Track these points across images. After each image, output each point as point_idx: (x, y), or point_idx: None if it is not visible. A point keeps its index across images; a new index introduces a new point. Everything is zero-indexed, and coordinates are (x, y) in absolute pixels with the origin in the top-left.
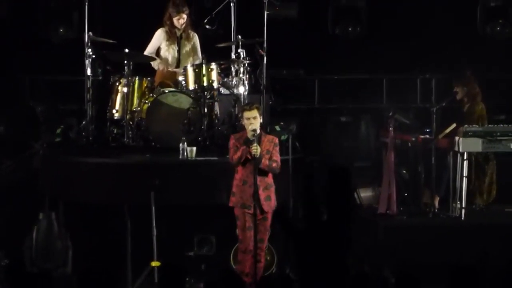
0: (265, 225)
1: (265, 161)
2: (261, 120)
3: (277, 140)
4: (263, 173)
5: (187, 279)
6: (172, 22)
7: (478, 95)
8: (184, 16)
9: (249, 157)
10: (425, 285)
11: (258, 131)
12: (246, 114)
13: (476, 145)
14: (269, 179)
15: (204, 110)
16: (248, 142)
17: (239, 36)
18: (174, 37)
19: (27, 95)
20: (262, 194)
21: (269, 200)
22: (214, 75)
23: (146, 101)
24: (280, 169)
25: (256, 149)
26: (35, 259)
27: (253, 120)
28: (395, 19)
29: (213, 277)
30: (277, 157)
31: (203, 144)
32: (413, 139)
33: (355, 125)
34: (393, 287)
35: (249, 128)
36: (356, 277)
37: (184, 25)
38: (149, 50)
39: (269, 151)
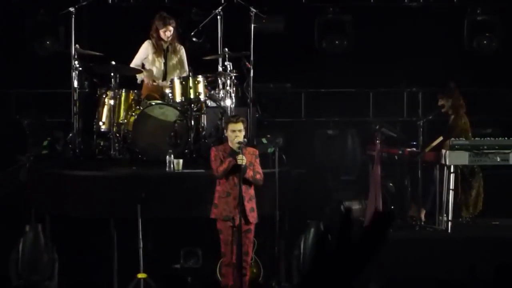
0: (250, 237)
1: (249, 172)
2: (245, 133)
3: (257, 152)
4: (248, 184)
5: None
6: (158, 35)
7: (461, 108)
8: (171, 28)
9: (234, 166)
10: None
11: (244, 143)
12: (232, 126)
13: (462, 158)
14: (252, 190)
15: (191, 122)
16: (233, 154)
17: (226, 49)
18: (160, 50)
19: (14, 108)
20: (247, 205)
21: (253, 212)
22: (201, 88)
23: (133, 114)
24: (263, 180)
25: (241, 159)
26: (21, 272)
27: (238, 133)
28: (382, 33)
29: None
30: (259, 168)
31: (189, 156)
32: (400, 152)
33: (341, 138)
34: None
35: (234, 140)
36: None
37: (170, 38)
38: (135, 62)
39: (251, 163)
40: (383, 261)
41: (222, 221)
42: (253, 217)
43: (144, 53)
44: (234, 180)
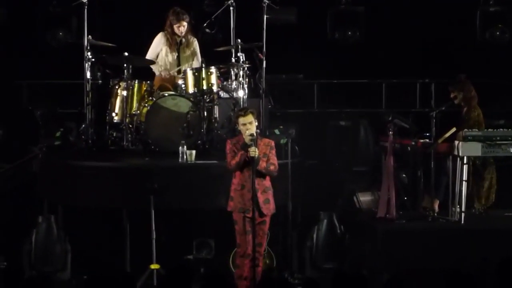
0: (263, 229)
1: (262, 163)
2: (257, 124)
3: (273, 143)
4: (261, 176)
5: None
6: (172, 30)
7: (474, 99)
8: (185, 23)
9: (247, 159)
10: None
11: (255, 134)
12: (242, 119)
13: (475, 149)
14: (267, 182)
15: (204, 113)
16: (245, 147)
17: (239, 40)
18: (174, 43)
19: (26, 99)
20: (260, 197)
21: (268, 203)
22: (213, 79)
23: (146, 105)
24: (277, 172)
25: (254, 151)
26: (34, 263)
27: (249, 125)
28: (394, 23)
29: (211, 280)
30: (274, 160)
31: (202, 147)
32: (413, 143)
33: (354, 129)
34: None
35: (246, 133)
36: (354, 279)
37: (184, 33)
38: (150, 55)
39: (266, 154)
40: (396, 251)
41: (238, 212)
42: (267, 208)
43: (158, 45)
44: (249, 172)
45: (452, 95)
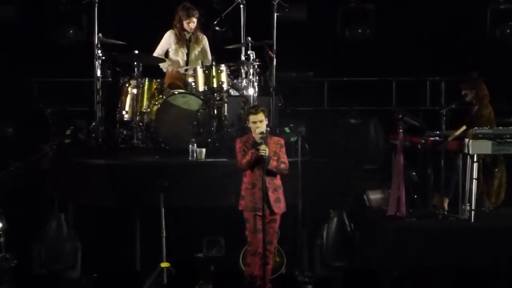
0: (274, 227)
1: (273, 162)
2: (267, 122)
3: (283, 142)
4: (272, 174)
5: (201, 282)
6: (182, 26)
7: (485, 97)
8: (194, 19)
9: (258, 158)
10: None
11: (265, 133)
12: (252, 117)
13: (485, 147)
14: (278, 180)
15: (214, 111)
16: (256, 145)
17: (249, 38)
18: (183, 40)
19: (37, 97)
20: (271, 196)
21: (278, 202)
22: (223, 77)
23: (156, 103)
24: (288, 170)
25: (264, 150)
26: (44, 261)
27: (260, 124)
28: (404, 21)
29: (222, 278)
30: (284, 158)
31: (212, 145)
32: (423, 141)
33: (364, 127)
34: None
35: (257, 131)
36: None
37: (193, 29)
38: (158, 52)
39: (276, 153)
40: (406, 249)
41: (251, 211)
42: (278, 207)
43: (167, 42)
44: (259, 171)
45: (463, 93)
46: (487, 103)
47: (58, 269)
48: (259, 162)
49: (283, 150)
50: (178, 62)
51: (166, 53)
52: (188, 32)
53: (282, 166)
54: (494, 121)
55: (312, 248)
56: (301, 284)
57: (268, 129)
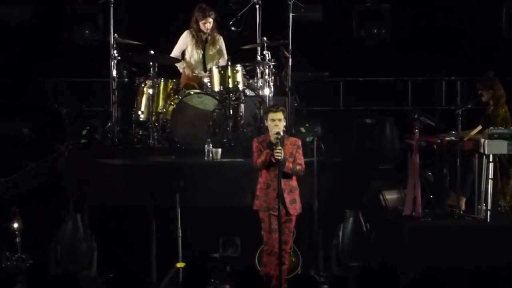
0: (290, 227)
1: (289, 164)
2: (285, 123)
3: (300, 142)
4: (288, 176)
5: (212, 280)
6: (198, 26)
7: (502, 97)
8: (210, 20)
9: (273, 160)
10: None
11: (282, 134)
12: (272, 115)
13: (501, 147)
14: (294, 182)
15: (229, 111)
16: (271, 146)
17: (264, 38)
18: (200, 41)
19: (52, 97)
20: (287, 197)
21: (294, 203)
22: (239, 77)
23: (172, 103)
24: (304, 171)
25: (280, 153)
26: (60, 261)
27: (278, 122)
28: (420, 21)
29: (239, 278)
30: (301, 159)
31: (228, 145)
32: (439, 141)
33: (380, 127)
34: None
35: (273, 130)
36: (381, 272)
37: (210, 29)
38: (175, 53)
39: (292, 154)
40: (422, 249)
41: (265, 211)
42: (294, 208)
43: (184, 43)
44: (274, 172)
45: (479, 93)
46: (503, 103)
47: (74, 269)
48: (274, 163)
49: (300, 151)
50: (193, 64)
51: (182, 54)
52: (205, 33)
53: (298, 167)
54: (510, 120)
55: (328, 248)
56: (317, 284)
57: (285, 129)
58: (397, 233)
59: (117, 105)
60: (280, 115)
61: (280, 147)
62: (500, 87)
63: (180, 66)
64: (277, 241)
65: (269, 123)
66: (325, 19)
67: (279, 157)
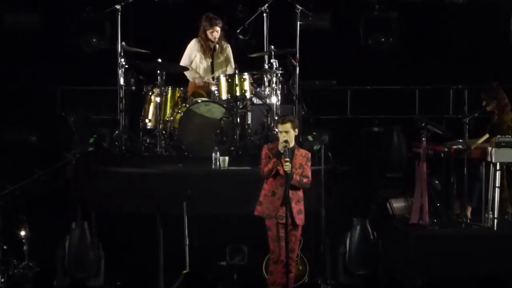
0: (296, 235)
1: (296, 177)
2: (296, 134)
3: (309, 155)
4: (295, 186)
5: None
6: (206, 35)
7: (507, 106)
8: (218, 29)
9: (281, 172)
10: None
11: (292, 144)
12: (279, 127)
13: (509, 155)
14: (301, 192)
15: (237, 120)
16: (279, 155)
17: (272, 46)
18: (208, 49)
19: (60, 105)
20: (294, 208)
21: (301, 214)
22: (246, 85)
23: (179, 111)
24: (310, 184)
25: (288, 166)
26: (68, 269)
27: (285, 134)
28: (427, 29)
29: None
30: (308, 172)
31: (235, 154)
32: (446, 149)
33: (387, 135)
34: None
35: (281, 140)
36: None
37: (218, 38)
38: (185, 61)
39: (301, 165)
40: (429, 257)
41: (267, 218)
42: (300, 219)
43: (192, 52)
44: (281, 180)
45: (484, 103)
46: (508, 111)
47: (82, 277)
48: (280, 172)
49: (309, 164)
50: (201, 71)
51: (191, 62)
52: (213, 42)
53: (305, 180)
54: None
55: (335, 256)
56: None
57: (288, 143)
58: (404, 241)
59: (125, 113)
60: (287, 127)
61: (288, 159)
62: (504, 96)
63: (188, 74)
64: (284, 249)
65: (278, 133)
66: (332, 28)
67: (287, 170)
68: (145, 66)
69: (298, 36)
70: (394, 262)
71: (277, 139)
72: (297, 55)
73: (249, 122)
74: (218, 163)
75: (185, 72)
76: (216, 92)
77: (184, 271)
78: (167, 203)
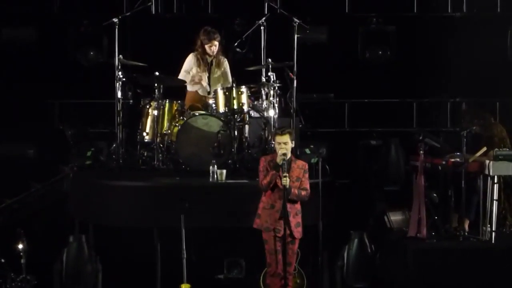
0: (293, 248)
1: (294, 191)
2: (293, 145)
3: (307, 167)
4: (293, 199)
5: None
6: (204, 49)
7: (489, 119)
8: (216, 43)
9: (279, 185)
10: None
11: (288, 156)
12: (278, 138)
13: (506, 168)
14: (298, 205)
15: (234, 133)
16: (277, 167)
17: (269, 60)
18: (205, 63)
19: (58, 118)
20: (292, 221)
21: (299, 227)
22: (244, 98)
23: (176, 124)
24: (308, 196)
25: (286, 180)
26: (65, 283)
27: (284, 145)
28: (425, 43)
29: None
30: (306, 184)
31: (233, 167)
32: (443, 162)
33: (385, 148)
34: None
35: (279, 152)
36: None
37: (215, 52)
38: (182, 75)
39: (299, 178)
40: (427, 270)
41: (266, 231)
42: (298, 232)
43: (189, 66)
44: (279, 193)
45: (472, 129)
46: (495, 123)
47: None
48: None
49: (306, 175)
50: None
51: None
52: (210, 56)
53: (303, 193)
54: (508, 138)
55: (333, 270)
56: None
57: (287, 155)
58: (402, 254)
59: (122, 126)
60: (285, 138)
61: (286, 174)
62: (482, 113)
63: (190, 86)
64: (281, 263)
65: (276, 146)
66: (330, 41)
67: (285, 184)
68: (142, 80)
69: (296, 49)
70: (392, 275)
71: (275, 151)
72: (295, 69)
73: (247, 135)
74: (215, 176)
75: (187, 84)
76: (213, 105)
77: (182, 285)
78: (165, 216)
